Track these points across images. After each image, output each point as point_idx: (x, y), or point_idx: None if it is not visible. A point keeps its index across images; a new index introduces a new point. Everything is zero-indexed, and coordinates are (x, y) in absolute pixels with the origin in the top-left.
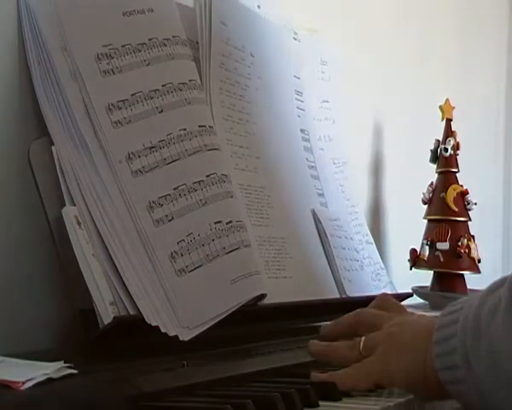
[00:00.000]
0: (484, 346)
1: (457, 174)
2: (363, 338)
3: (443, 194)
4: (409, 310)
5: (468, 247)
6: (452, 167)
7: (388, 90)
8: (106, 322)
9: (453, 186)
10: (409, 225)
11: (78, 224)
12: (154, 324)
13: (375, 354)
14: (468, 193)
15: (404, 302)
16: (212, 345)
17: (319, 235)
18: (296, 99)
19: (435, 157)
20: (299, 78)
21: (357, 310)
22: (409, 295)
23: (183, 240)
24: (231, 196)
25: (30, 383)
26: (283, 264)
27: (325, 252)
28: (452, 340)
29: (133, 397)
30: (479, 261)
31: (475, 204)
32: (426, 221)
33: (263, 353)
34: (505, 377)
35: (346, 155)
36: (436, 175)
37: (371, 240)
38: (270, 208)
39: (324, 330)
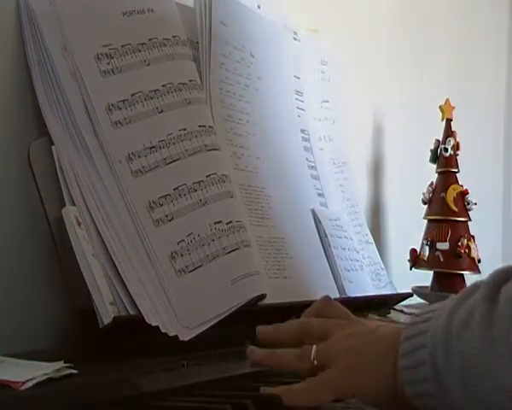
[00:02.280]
0: (456, 360)
1: (457, 174)
2: (314, 347)
3: (443, 194)
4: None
5: (468, 247)
6: (452, 167)
7: (388, 90)
8: (106, 322)
9: (453, 186)
10: (409, 225)
11: (78, 224)
12: (154, 324)
13: (335, 366)
14: (468, 193)
15: (403, 302)
16: (212, 345)
17: (319, 235)
18: (296, 99)
19: (435, 157)
20: (299, 78)
21: (302, 319)
22: (409, 295)
23: (183, 240)
24: (231, 196)
25: (30, 383)
26: (283, 264)
27: (325, 252)
28: (420, 352)
29: (133, 397)
30: (479, 261)
31: (475, 204)
32: (426, 221)
33: None
34: (480, 398)
35: (346, 155)
36: (436, 175)
37: (371, 240)
38: (270, 208)
39: (263, 334)
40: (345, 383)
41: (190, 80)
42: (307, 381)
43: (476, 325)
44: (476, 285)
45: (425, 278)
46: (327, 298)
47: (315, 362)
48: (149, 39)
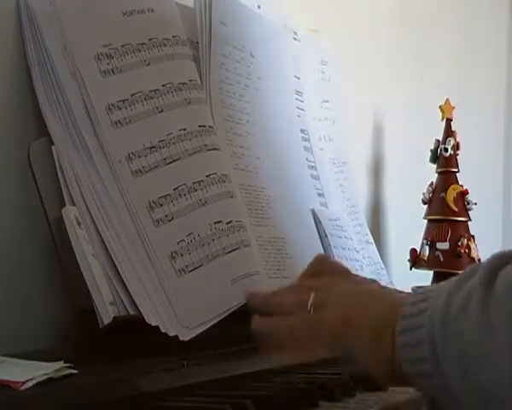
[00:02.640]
0: (453, 343)
1: (457, 174)
2: (312, 294)
3: (443, 194)
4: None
5: (468, 247)
6: (452, 167)
7: (388, 90)
8: (106, 322)
9: (453, 186)
10: (409, 225)
11: (78, 224)
12: (154, 324)
13: (332, 308)
14: (468, 193)
15: None
16: (212, 345)
17: (319, 235)
18: (296, 99)
19: (435, 157)
20: (299, 78)
21: (296, 284)
22: None
23: (183, 240)
24: (231, 196)
25: (30, 383)
26: (283, 264)
27: (325, 252)
28: (419, 331)
29: (133, 397)
30: (479, 261)
31: (475, 204)
32: (426, 221)
33: None
34: (478, 386)
35: (346, 155)
36: (436, 175)
37: (371, 240)
38: (270, 208)
39: (254, 302)
40: (339, 329)
41: (190, 80)
42: (302, 317)
43: (473, 310)
44: (474, 268)
45: (425, 278)
46: (322, 255)
47: (311, 310)
48: (149, 39)
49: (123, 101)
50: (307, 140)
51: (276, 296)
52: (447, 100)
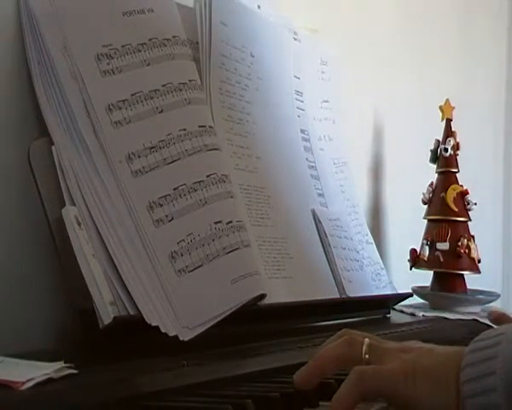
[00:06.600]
0: None
1: (457, 174)
2: (366, 340)
3: (443, 194)
4: None
5: (468, 247)
6: (452, 167)
7: (388, 90)
8: (106, 322)
9: (453, 186)
10: (409, 225)
11: (78, 224)
12: (154, 324)
13: (390, 363)
14: (468, 193)
15: (403, 302)
16: (212, 345)
17: (319, 235)
18: (296, 99)
19: (435, 157)
20: (299, 78)
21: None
22: (409, 295)
23: (183, 240)
24: (231, 196)
25: (30, 383)
26: (283, 264)
27: (325, 252)
28: (490, 378)
29: (133, 397)
30: (479, 261)
31: (475, 204)
32: (426, 221)
33: (263, 353)
34: None
35: (346, 155)
36: (436, 175)
37: (371, 240)
38: (270, 208)
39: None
40: (401, 385)
41: (190, 80)
42: (358, 368)
43: None
44: None
45: (425, 278)
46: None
47: (366, 356)
48: (149, 39)
49: (123, 101)
50: (307, 140)
51: (319, 354)
52: (447, 100)
